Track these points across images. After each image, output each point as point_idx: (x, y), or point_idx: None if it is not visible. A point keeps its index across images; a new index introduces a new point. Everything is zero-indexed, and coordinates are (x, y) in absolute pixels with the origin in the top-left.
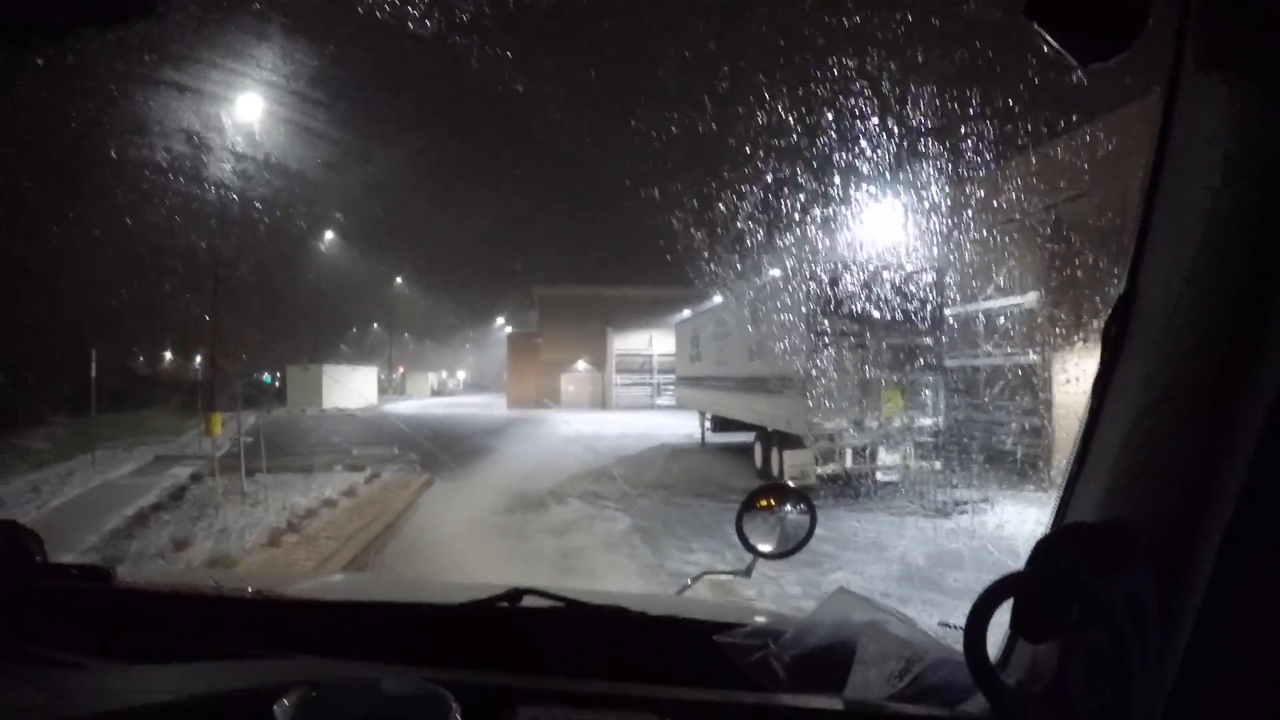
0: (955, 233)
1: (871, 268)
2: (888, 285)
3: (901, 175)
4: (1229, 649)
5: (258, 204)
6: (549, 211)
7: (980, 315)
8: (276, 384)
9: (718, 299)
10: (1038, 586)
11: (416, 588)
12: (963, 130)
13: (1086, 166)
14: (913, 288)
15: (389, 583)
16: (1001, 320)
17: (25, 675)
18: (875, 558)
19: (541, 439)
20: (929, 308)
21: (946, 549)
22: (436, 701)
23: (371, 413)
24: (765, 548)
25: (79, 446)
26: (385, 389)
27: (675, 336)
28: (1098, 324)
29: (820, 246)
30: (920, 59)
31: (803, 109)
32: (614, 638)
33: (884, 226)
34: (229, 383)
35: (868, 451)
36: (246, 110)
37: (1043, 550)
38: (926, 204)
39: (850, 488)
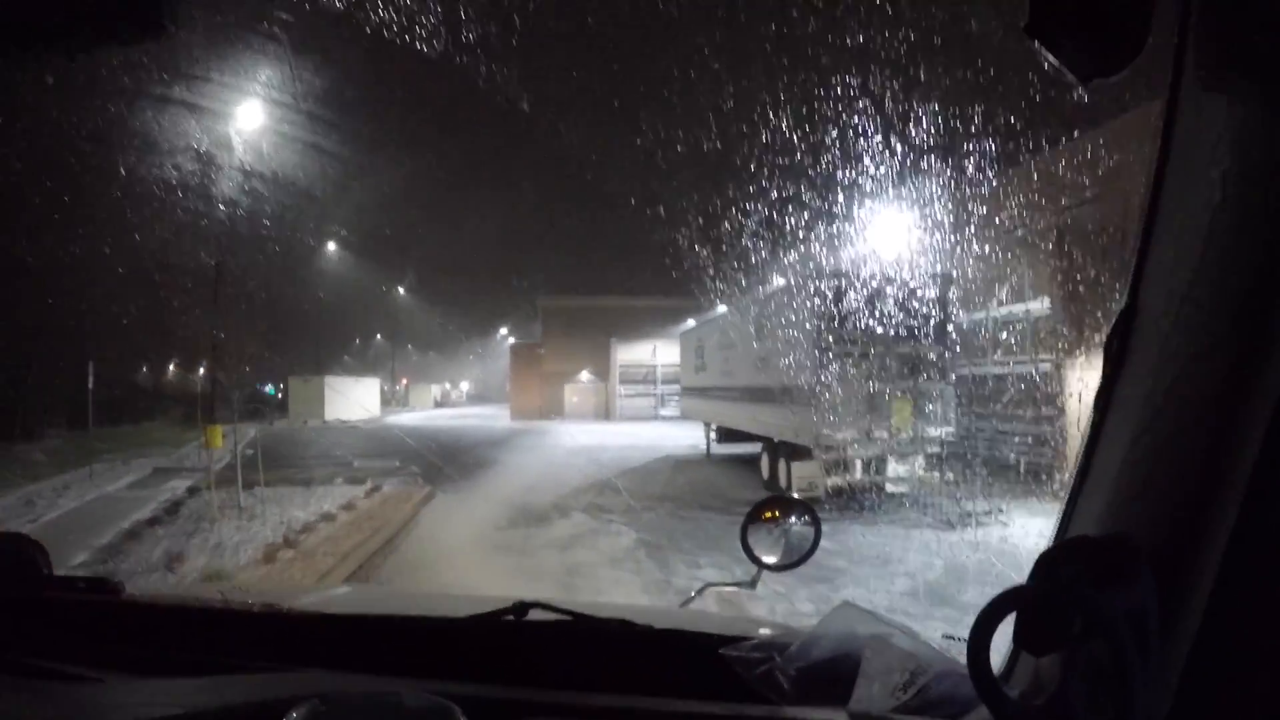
0: (963, 242)
1: (880, 278)
2: (896, 295)
3: (908, 186)
4: (1230, 663)
5: (262, 217)
6: (552, 223)
7: (989, 324)
8: (280, 395)
9: (722, 309)
10: (1040, 600)
11: (423, 600)
12: (966, 147)
13: (1087, 181)
14: (921, 297)
15: (395, 595)
16: (1012, 329)
17: (33, 688)
18: (888, 572)
19: (544, 451)
20: (937, 317)
21: (961, 563)
22: (445, 715)
23: (374, 424)
24: (770, 559)
25: (78, 459)
26: (388, 400)
27: (679, 347)
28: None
29: (828, 258)
30: (923, 76)
31: (812, 125)
32: (620, 651)
33: (891, 237)
34: (229, 394)
35: (876, 463)
36: (251, 123)
37: (1045, 564)
38: (934, 215)
39: (858, 500)
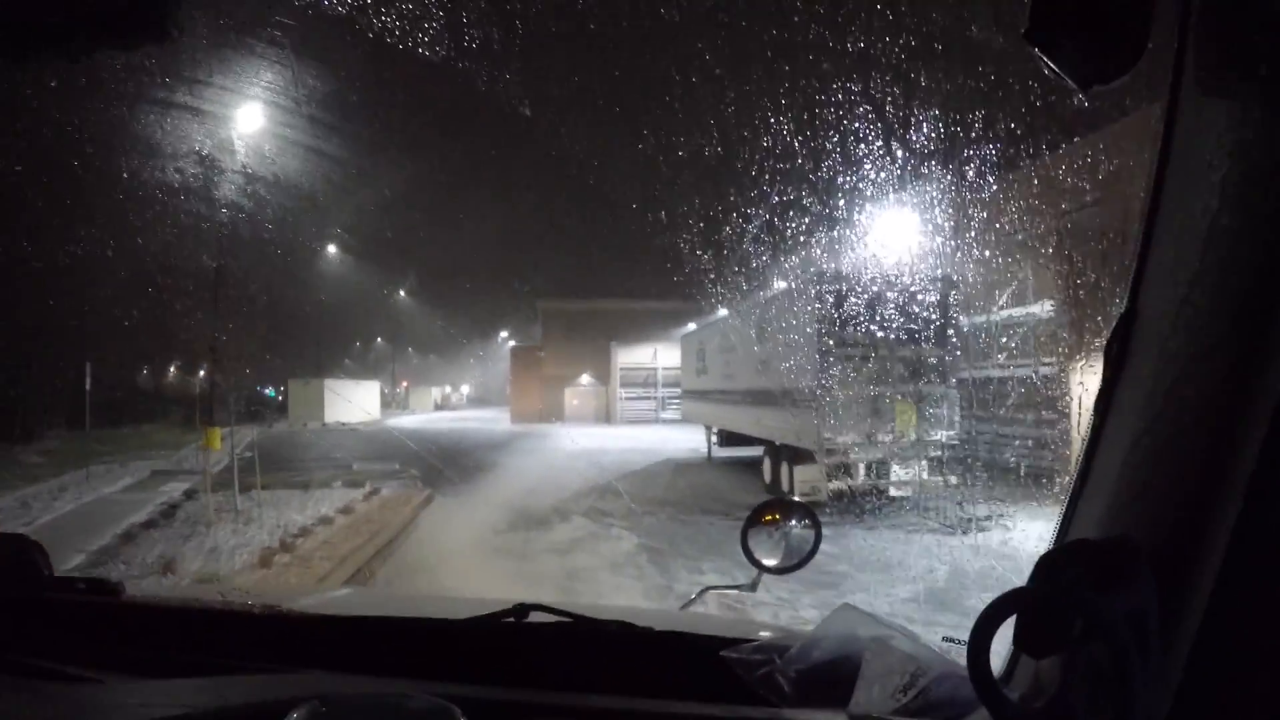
0: (964, 247)
1: (882, 282)
2: (898, 299)
3: (909, 191)
4: (1231, 665)
5: (263, 220)
6: (553, 225)
7: (991, 327)
8: (280, 398)
9: (723, 312)
10: (1040, 603)
11: (423, 602)
12: (966, 151)
13: (1087, 185)
14: (923, 301)
15: (395, 597)
16: (1013, 332)
17: (33, 688)
18: (891, 577)
19: (545, 454)
20: (939, 321)
21: (963, 568)
22: (445, 716)
23: (374, 427)
24: (770, 562)
25: (77, 461)
26: (389, 403)
27: (680, 350)
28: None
29: (829, 261)
30: (923, 81)
31: (813, 130)
32: (620, 653)
33: (893, 242)
34: (228, 397)
35: (879, 467)
36: (253, 126)
37: (1046, 566)
38: (935, 219)
39: (860, 503)
